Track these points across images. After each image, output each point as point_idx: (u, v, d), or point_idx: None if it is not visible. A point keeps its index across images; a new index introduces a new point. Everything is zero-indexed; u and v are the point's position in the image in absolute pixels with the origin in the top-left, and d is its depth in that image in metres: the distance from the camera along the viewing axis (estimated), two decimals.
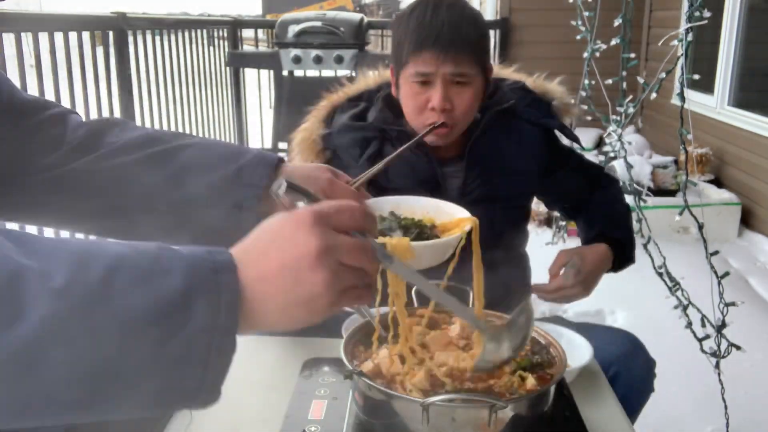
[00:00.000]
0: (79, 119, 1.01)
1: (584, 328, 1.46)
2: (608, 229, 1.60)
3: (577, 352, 1.25)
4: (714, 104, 4.90)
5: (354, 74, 1.56)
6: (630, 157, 2.59)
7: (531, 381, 1.02)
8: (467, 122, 1.50)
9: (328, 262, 0.64)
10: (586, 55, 2.69)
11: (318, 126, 1.59)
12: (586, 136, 5.66)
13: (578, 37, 2.71)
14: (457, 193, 1.50)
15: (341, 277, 0.66)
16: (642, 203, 2.47)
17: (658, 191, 4.34)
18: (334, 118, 1.59)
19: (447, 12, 1.41)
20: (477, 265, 1.05)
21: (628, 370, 1.44)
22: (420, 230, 1.01)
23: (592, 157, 4.40)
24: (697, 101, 4.59)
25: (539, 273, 1.70)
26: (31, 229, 3.15)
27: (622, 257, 1.58)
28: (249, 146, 1.56)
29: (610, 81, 2.51)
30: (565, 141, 1.69)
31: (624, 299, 3.04)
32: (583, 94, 2.64)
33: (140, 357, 0.58)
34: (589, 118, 2.67)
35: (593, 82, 2.68)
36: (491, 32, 5.37)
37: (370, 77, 1.67)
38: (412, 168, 1.50)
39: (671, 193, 4.34)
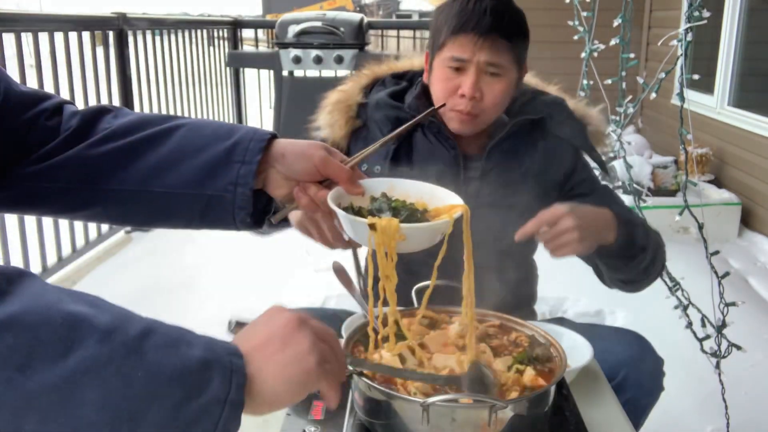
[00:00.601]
0: (74, 108, 1.01)
1: (590, 329, 1.45)
2: (622, 213, 1.41)
3: (577, 352, 1.25)
4: (714, 104, 4.90)
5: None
6: (630, 157, 2.59)
7: (529, 373, 1.02)
8: (493, 116, 1.49)
9: (307, 328, 0.76)
10: (584, 55, 2.68)
11: (357, 92, 1.59)
12: None
13: (576, 38, 2.70)
14: (474, 191, 1.49)
15: (319, 345, 0.75)
16: (642, 203, 2.47)
17: (658, 191, 4.34)
18: (372, 89, 1.59)
19: (492, 0, 1.41)
20: (468, 254, 1.03)
21: (638, 370, 1.43)
22: (410, 213, 0.99)
23: None
24: (696, 101, 4.59)
25: (540, 276, 1.70)
26: (30, 219, 3.16)
27: (627, 240, 1.37)
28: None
29: (609, 81, 2.51)
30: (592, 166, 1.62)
31: (624, 299, 3.01)
32: (582, 94, 2.63)
33: (160, 413, 0.63)
34: None
35: (592, 83, 2.67)
36: None
37: (416, 59, 1.67)
38: (437, 155, 1.50)
39: (671, 193, 4.34)
